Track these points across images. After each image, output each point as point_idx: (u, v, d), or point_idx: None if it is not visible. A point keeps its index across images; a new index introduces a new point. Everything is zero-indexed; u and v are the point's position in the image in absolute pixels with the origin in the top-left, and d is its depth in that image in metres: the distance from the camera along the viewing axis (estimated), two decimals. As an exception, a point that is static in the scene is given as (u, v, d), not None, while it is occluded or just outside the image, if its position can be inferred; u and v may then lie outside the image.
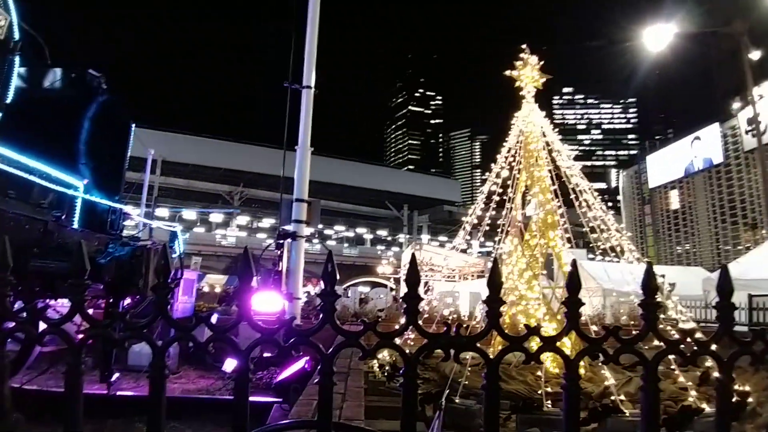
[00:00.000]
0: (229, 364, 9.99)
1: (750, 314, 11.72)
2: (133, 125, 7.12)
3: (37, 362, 5.94)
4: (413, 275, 1.16)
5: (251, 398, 1.11)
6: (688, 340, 1.28)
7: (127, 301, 5.32)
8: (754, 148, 27.95)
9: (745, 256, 18.24)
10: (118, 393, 6.26)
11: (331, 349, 1.12)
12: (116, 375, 6.49)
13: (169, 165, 39.19)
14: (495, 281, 1.18)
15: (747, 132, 32.33)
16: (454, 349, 1.13)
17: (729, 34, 21.01)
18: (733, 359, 1.26)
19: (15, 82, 4.53)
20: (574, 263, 1.28)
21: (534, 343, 1.20)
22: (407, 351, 1.17)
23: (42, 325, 1.17)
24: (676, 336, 1.32)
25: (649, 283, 1.27)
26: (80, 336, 1.12)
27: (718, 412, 1.33)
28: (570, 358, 1.19)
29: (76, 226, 5.01)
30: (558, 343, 1.23)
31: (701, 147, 37.04)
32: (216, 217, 45.86)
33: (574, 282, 1.22)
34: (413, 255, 1.19)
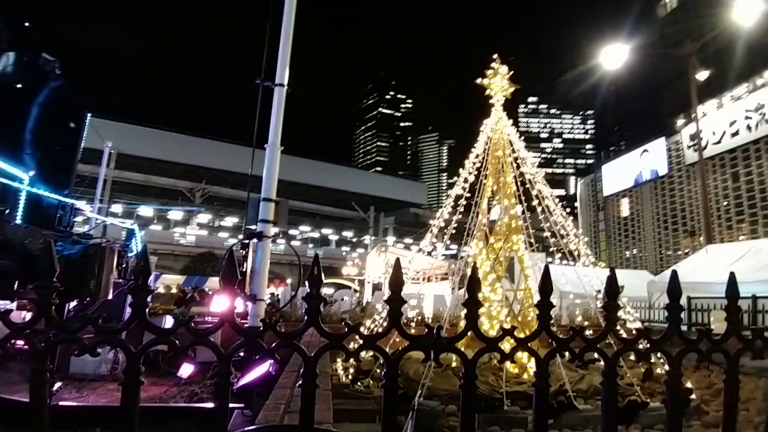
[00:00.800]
0: (185, 370, 9.61)
1: (689, 315, 12.63)
2: (89, 114, 6.73)
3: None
4: (397, 279, 1.18)
5: (206, 405, 1.08)
6: (642, 339, 1.39)
7: (73, 303, 5.01)
8: (695, 161, 30.12)
9: (683, 261, 19.65)
10: (60, 403, 5.86)
11: (315, 351, 1.12)
12: (58, 384, 6.09)
13: (126, 158, 37.31)
14: (474, 285, 1.22)
15: (689, 147, 34.77)
16: (435, 350, 1.16)
17: (678, 56, 22.60)
18: (681, 356, 1.38)
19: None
20: (546, 268, 1.35)
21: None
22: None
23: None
24: (631, 335, 1.42)
25: (612, 288, 1.36)
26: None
27: (669, 405, 1.44)
28: (541, 357, 1.25)
29: (19, 221, 4.66)
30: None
31: (649, 159, 39.50)
32: (175, 214, 44.01)
33: (546, 285, 1.29)
34: (398, 260, 1.21)
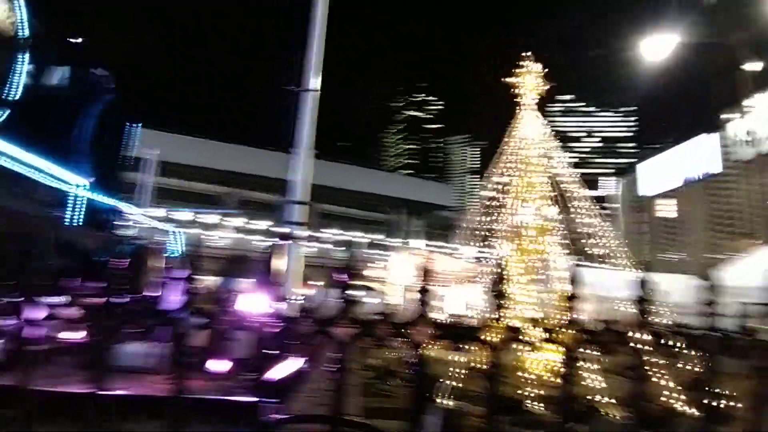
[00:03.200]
0: (221, 365, 9.96)
1: (743, 321, 11.88)
2: (139, 125, 7.17)
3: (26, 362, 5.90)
4: (426, 271, 1.23)
5: (240, 398, 1.17)
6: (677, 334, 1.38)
7: (125, 299, 5.34)
8: (749, 158, 28.27)
9: (738, 264, 18.47)
10: (108, 392, 6.22)
11: (349, 338, 1.19)
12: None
13: (167, 165, 39.09)
14: (501, 275, 1.26)
15: (743, 142, 32.69)
16: (463, 339, 1.20)
17: (728, 46, 21.29)
18: (720, 351, 1.35)
19: (23, 79, 4.57)
20: (576, 264, 1.36)
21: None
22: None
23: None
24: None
25: (644, 281, 1.35)
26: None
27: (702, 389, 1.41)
28: (570, 347, 1.27)
29: (80, 224, 5.04)
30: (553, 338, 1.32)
31: (698, 156, 37.42)
32: (210, 218, 45.63)
33: (576, 278, 1.30)
34: (428, 255, 1.26)
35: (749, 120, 22.18)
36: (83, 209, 5.12)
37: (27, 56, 4.43)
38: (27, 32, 4.49)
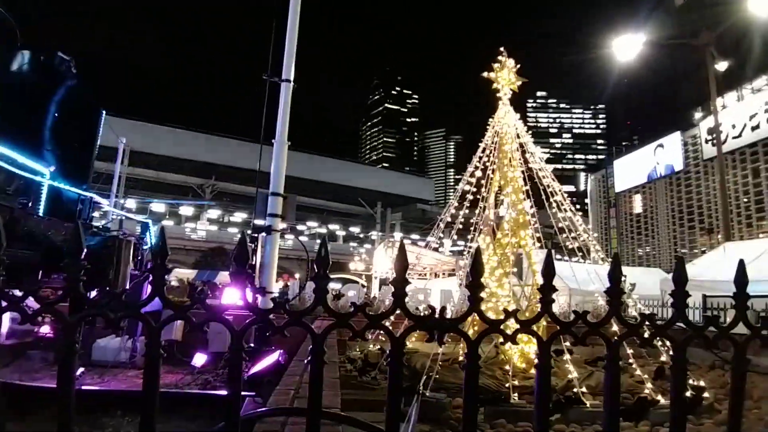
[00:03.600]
0: (199, 359, 9.83)
1: (705, 314, 12.47)
2: (104, 112, 6.88)
3: (-1, 355, 5.70)
4: (401, 261, 1.23)
5: (220, 392, 1.14)
6: (647, 323, 1.42)
7: (93, 293, 5.16)
8: (713, 156, 29.56)
9: (700, 259, 19.35)
10: (83, 388, 6.07)
11: (322, 330, 1.17)
12: (80, 370, 6.29)
13: (138, 155, 37.78)
14: (477, 268, 1.26)
15: (707, 141, 34.11)
16: (439, 330, 1.21)
17: (696, 46, 22.07)
18: (687, 342, 1.40)
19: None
20: (549, 253, 1.38)
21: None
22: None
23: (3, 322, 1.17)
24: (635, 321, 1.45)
25: (615, 273, 1.39)
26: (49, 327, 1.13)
27: (673, 393, 1.46)
28: (543, 340, 1.29)
29: (42, 214, 4.81)
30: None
31: (664, 154, 38.87)
32: (186, 210, 44.58)
33: (549, 269, 1.32)
34: (401, 242, 1.26)
35: (714, 119, 23.14)
36: (46, 199, 4.88)
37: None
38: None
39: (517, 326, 1.28)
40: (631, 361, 7.98)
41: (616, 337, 1.42)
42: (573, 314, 1.35)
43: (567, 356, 7.79)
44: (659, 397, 7.20)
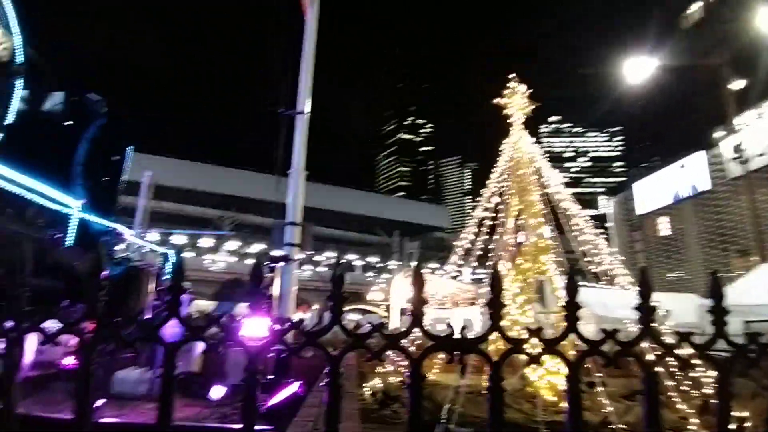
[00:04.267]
0: (216, 391, 9.70)
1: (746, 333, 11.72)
2: (131, 148, 7.19)
3: (20, 388, 5.74)
4: (418, 282, 1.20)
5: (237, 426, 1.11)
6: (683, 343, 1.33)
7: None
8: (739, 175, 28.70)
9: (737, 282, 18.36)
10: (102, 420, 6.03)
11: (339, 351, 1.14)
12: (100, 401, 6.27)
13: (160, 189, 39.09)
14: (496, 285, 1.22)
15: (732, 160, 33.23)
16: (459, 350, 1.16)
17: (709, 66, 21.90)
18: (731, 362, 1.30)
19: (16, 103, 4.58)
20: (572, 270, 1.33)
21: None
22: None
23: (27, 349, 1.18)
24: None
25: (645, 289, 1.32)
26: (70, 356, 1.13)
27: (718, 420, 1.35)
28: (571, 361, 1.22)
29: (70, 244, 4.97)
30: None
31: (687, 174, 37.92)
32: (205, 241, 45.43)
33: (572, 286, 1.27)
34: (418, 264, 1.23)
35: (737, 138, 22.65)
36: (75, 230, 5.06)
37: (21, 82, 4.46)
38: (22, 58, 4.53)
39: (543, 346, 1.22)
40: (671, 394, 7.48)
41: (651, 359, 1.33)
42: (602, 333, 1.28)
43: (599, 389, 7.38)
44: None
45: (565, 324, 1.26)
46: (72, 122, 5.94)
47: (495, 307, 1.20)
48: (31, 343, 1.12)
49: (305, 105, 9.11)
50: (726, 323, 1.34)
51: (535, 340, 1.26)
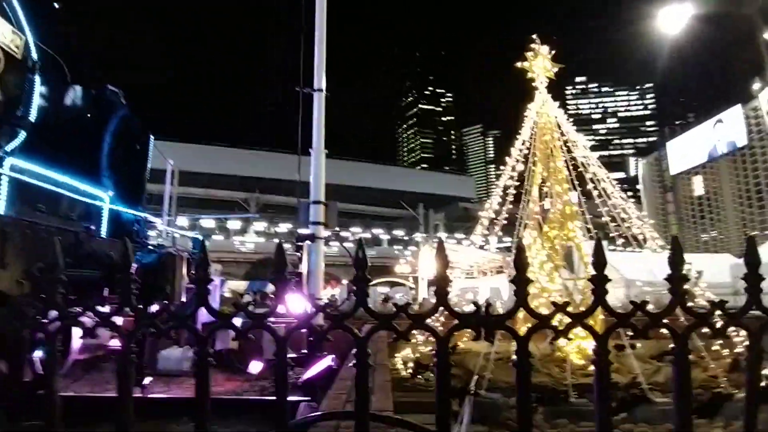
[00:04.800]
0: (254, 366, 10.19)
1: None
2: (152, 138, 7.34)
3: (71, 370, 6.18)
4: (442, 259, 1.19)
5: (271, 398, 1.15)
6: (718, 312, 1.28)
7: (154, 307, 5.49)
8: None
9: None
10: (150, 396, 6.46)
11: (365, 333, 1.16)
12: (148, 379, 6.69)
13: (186, 175, 40.04)
14: (521, 262, 1.20)
15: (769, 113, 31.22)
16: (485, 327, 1.16)
17: (745, 15, 20.32)
18: (763, 329, 1.25)
19: (37, 100, 4.70)
20: (599, 240, 1.29)
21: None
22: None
23: (74, 335, 1.24)
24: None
25: (676, 257, 1.27)
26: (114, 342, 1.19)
27: (748, 381, 1.32)
28: (599, 333, 1.20)
29: (104, 235, 5.19)
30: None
31: (724, 130, 35.95)
32: (233, 224, 46.67)
33: (600, 258, 1.23)
34: (441, 241, 1.22)
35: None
36: (107, 222, 5.27)
37: (38, 78, 4.55)
38: (35, 55, 4.61)
39: (569, 320, 1.21)
40: (703, 354, 7.37)
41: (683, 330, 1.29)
42: (631, 305, 1.25)
43: (629, 351, 7.33)
44: (734, 391, 6.59)
45: (592, 296, 1.24)
46: (93, 115, 6.08)
47: (520, 283, 1.18)
48: (78, 330, 1.18)
49: (322, 82, 9.02)
50: (761, 290, 1.29)
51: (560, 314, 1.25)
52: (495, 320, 1.17)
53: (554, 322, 1.24)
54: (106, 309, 1.23)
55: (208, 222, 38.35)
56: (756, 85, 35.67)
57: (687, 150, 39.67)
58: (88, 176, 5.18)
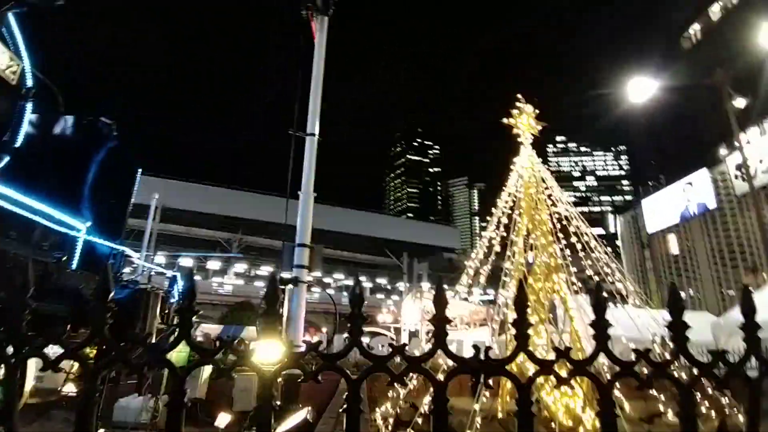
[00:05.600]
0: (222, 419, 9.49)
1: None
2: (140, 171, 7.26)
3: (22, 414, 5.63)
4: (440, 298, 1.14)
5: None
6: (720, 363, 1.25)
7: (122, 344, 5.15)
8: (745, 192, 28.49)
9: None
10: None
11: (359, 374, 1.08)
12: (101, 431, 6.13)
13: (168, 211, 39.47)
14: (521, 301, 1.16)
15: (736, 177, 33.04)
16: (485, 372, 1.09)
17: (711, 85, 22.01)
18: (761, 379, 1.22)
19: (26, 127, 4.63)
20: (597, 286, 1.27)
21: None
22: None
23: (28, 375, 1.13)
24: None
25: (675, 305, 1.25)
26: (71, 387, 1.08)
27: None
28: (603, 383, 1.15)
29: (75, 267, 4.95)
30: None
31: (694, 192, 37.70)
32: (213, 264, 45.51)
33: (600, 303, 1.20)
34: (440, 279, 1.18)
35: (740, 155, 22.59)
36: (81, 253, 5.04)
37: (30, 105, 4.51)
38: (30, 82, 4.60)
39: (570, 367, 1.15)
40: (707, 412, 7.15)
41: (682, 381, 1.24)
42: (633, 354, 1.21)
43: (617, 412, 7.11)
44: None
45: (594, 343, 1.19)
46: (82, 145, 6.02)
47: (521, 326, 1.13)
48: (32, 369, 1.06)
49: (315, 127, 9.22)
50: (759, 339, 1.27)
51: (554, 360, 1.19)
52: (496, 365, 1.10)
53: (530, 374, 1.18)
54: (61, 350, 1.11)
55: (187, 261, 37.28)
56: (723, 151, 38.01)
57: (661, 209, 41.26)
58: (67, 205, 5.02)
